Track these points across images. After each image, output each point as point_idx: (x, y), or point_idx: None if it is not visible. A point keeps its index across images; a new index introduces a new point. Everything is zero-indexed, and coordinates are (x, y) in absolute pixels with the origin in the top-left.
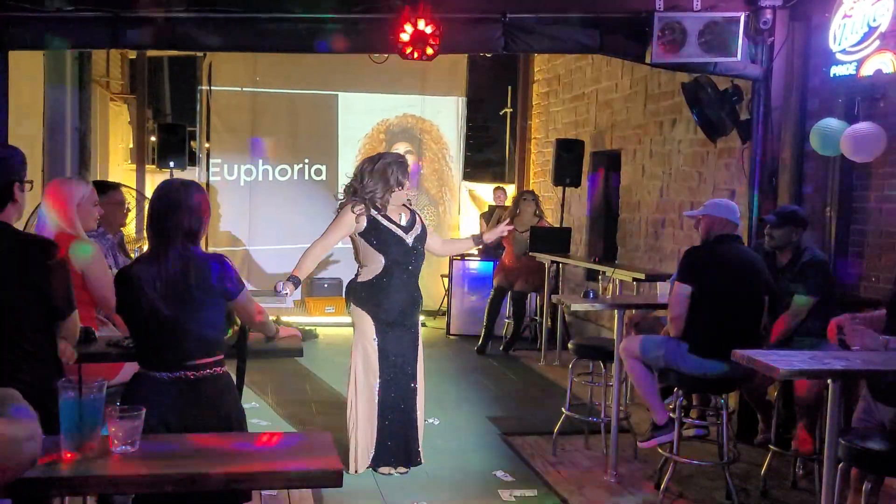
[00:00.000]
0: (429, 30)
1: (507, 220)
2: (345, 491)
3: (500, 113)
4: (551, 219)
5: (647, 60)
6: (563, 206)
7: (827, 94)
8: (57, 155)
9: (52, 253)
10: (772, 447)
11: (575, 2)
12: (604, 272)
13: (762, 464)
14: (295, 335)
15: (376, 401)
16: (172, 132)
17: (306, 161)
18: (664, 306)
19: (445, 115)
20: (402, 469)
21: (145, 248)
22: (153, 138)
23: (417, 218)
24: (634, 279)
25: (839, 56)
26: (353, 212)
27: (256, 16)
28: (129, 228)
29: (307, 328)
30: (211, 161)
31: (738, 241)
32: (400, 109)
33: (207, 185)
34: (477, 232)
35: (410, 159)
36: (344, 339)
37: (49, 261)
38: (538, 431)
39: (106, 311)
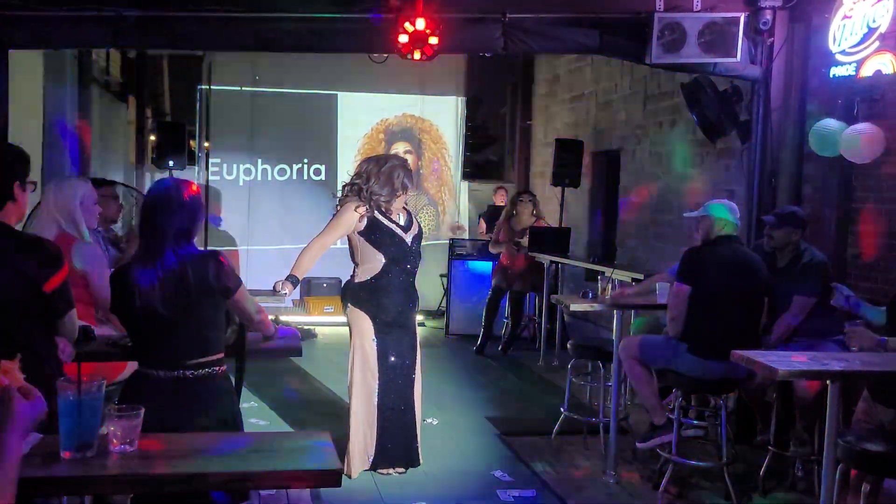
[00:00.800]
0: (428, 30)
1: (503, 220)
2: (343, 491)
3: (500, 113)
4: (550, 219)
5: (647, 61)
6: (562, 206)
7: (826, 95)
8: (56, 154)
9: (49, 252)
10: (771, 448)
11: (575, 2)
12: (603, 272)
13: (761, 465)
14: (293, 335)
15: (375, 402)
16: (172, 131)
17: (305, 161)
18: (663, 306)
19: (445, 115)
20: (400, 469)
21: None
22: (153, 137)
23: (414, 219)
24: (633, 280)
25: (839, 57)
26: (354, 210)
27: (256, 15)
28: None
29: (306, 328)
30: (210, 160)
31: (737, 241)
32: (399, 109)
33: (207, 184)
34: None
35: (410, 159)
36: (343, 338)
37: (46, 260)
38: (537, 432)
39: (104, 312)
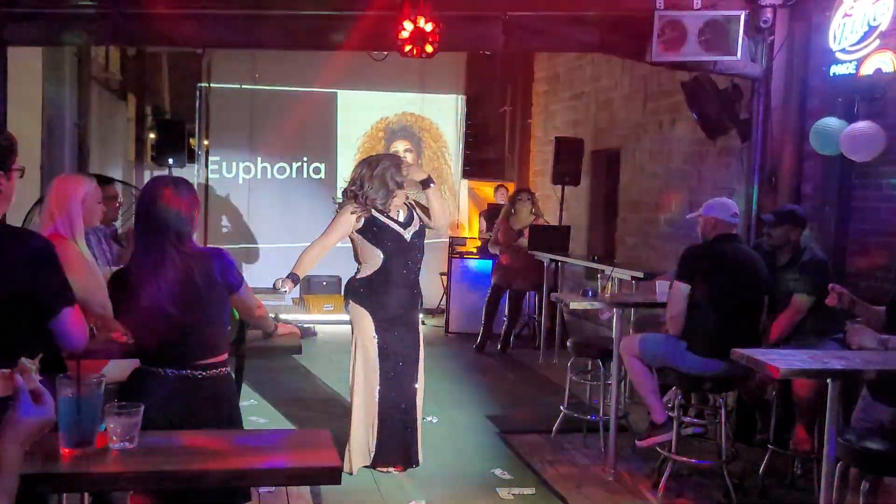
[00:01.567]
0: (429, 27)
1: (502, 218)
2: (343, 488)
3: (500, 111)
4: (550, 217)
5: (647, 59)
6: (561, 204)
7: (827, 94)
8: (55, 151)
9: (37, 247)
10: (770, 446)
11: (575, 0)
12: (603, 271)
13: (760, 463)
14: (293, 332)
15: (377, 400)
16: (171, 129)
17: (305, 159)
18: (663, 305)
19: (445, 113)
20: (399, 467)
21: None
22: (152, 135)
23: (415, 214)
24: (633, 278)
25: (839, 55)
26: (351, 212)
27: (256, 13)
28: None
29: (306, 326)
30: (210, 158)
31: (736, 240)
32: (399, 107)
33: (206, 182)
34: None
35: (409, 157)
36: (343, 336)
37: (32, 255)
38: (537, 430)
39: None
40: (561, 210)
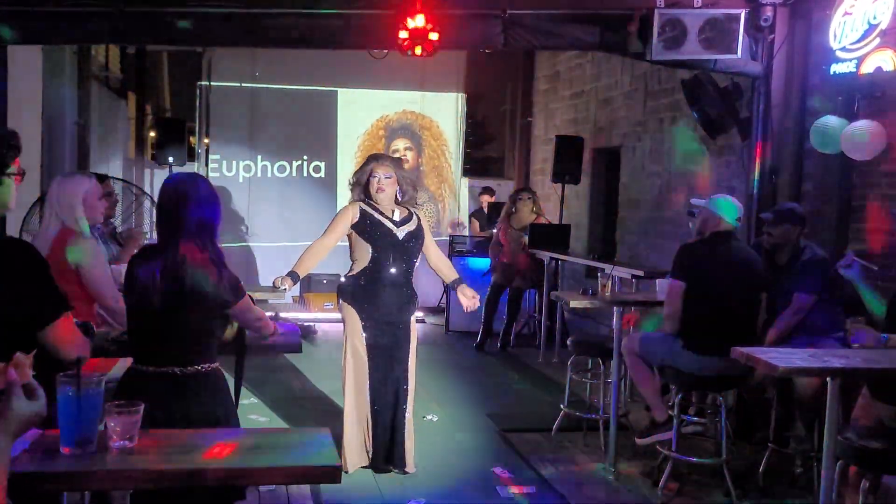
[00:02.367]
0: (429, 26)
1: (501, 226)
2: (342, 487)
3: (500, 110)
4: (550, 216)
5: (648, 57)
6: (562, 202)
7: (827, 92)
8: (56, 149)
9: (24, 255)
10: (770, 445)
11: None
12: (603, 269)
13: (760, 461)
14: (294, 331)
15: (368, 399)
16: (171, 127)
17: (305, 158)
18: (662, 303)
19: (445, 111)
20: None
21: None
22: (152, 133)
23: (415, 217)
24: (633, 276)
25: (839, 53)
26: (350, 207)
27: (256, 11)
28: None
29: (306, 324)
30: (210, 157)
31: (732, 237)
32: (399, 106)
33: None
34: (456, 277)
35: (410, 155)
36: (342, 334)
37: (21, 264)
38: (537, 428)
39: (102, 308)
40: (561, 209)
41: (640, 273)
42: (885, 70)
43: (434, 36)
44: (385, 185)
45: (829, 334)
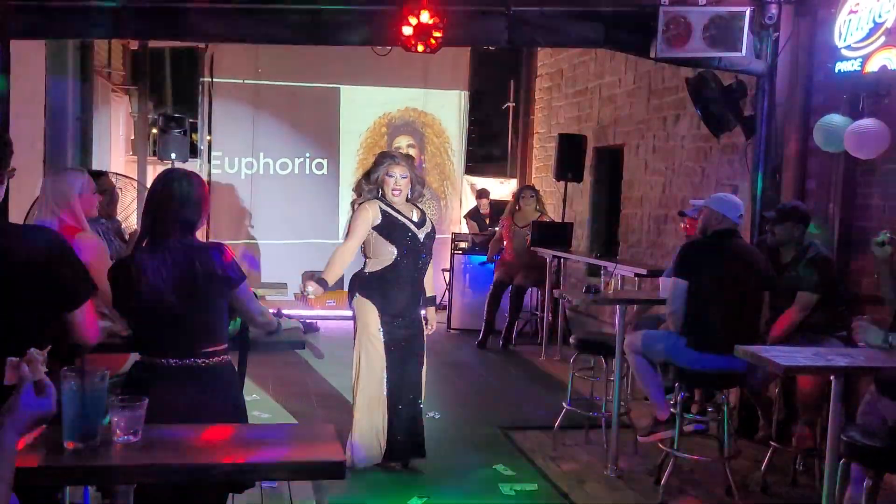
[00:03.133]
0: (433, 22)
1: (505, 223)
2: (344, 483)
3: (503, 107)
4: (552, 213)
5: (652, 55)
6: (564, 201)
7: (831, 90)
8: (58, 145)
9: (53, 240)
10: (772, 443)
11: None
12: (605, 267)
13: (763, 460)
14: (296, 328)
15: (385, 395)
16: (174, 124)
17: (307, 155)
18: (665, 301)
19: (448, 108)
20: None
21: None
22: (154, 130)
23: (428, 219)
24: (636, 275)
25: (844, 52)
26: (369, 207)
27: (259, 7)
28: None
29: (308, 321)
30: (212, 153)
31: (735, 235)
32: (402, 103)
33: (209, 177)
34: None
35: (412, 153)
36: (345, 332)
37: (49, 248)
38: (539, 426)
39: (106, 304)
40: (564, 206)
41: (643, 271)
42: (889, 69)
43: (438, 33)
44: (402, 186)
45: (831, 333)
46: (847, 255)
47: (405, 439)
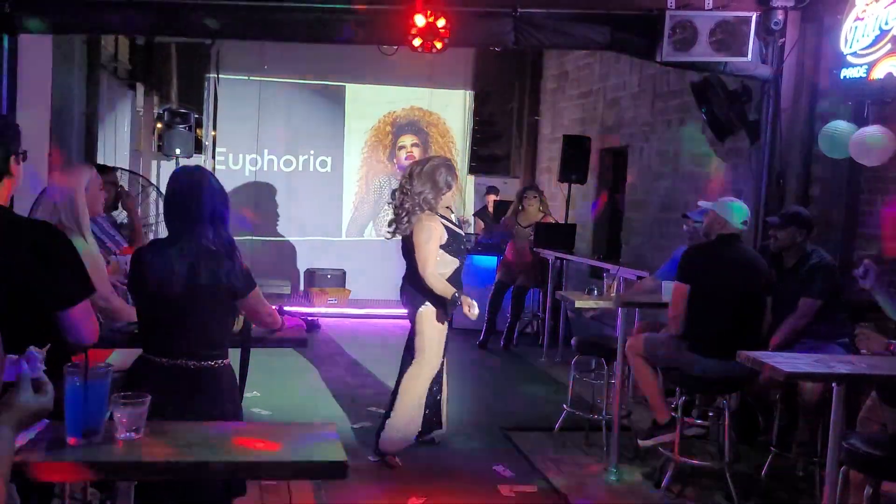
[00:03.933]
0: (439, 23)
1: (510, 215)
2: (344, 483)
3: (508, 108)
4: (556, 215)
5: (657, 58)
6: (567, 202)
7: (837, 97)
8: (64, 139)
9: (51, 236)
10: (773, 449)
11: None
12: (608, 269)
13: (763, 465)
14: (299, 326)
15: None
16: (179, 119)
17: (311, 152)
18: (667, 305)
19: (452, 108)
20: (399, 461)
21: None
22: (160, 125)
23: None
24: (639, 277)
25: (850, 58)
26: (436, 226)
27: (266, 4)
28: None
29: (310, 319)
30: (216, 149)
31: (738, 241)
32: (407, 102)
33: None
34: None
35: (416, 152)
36: (347, 330)
37: (46, 244)
38: (539, 427)
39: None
40: (567, 208)
41: (646, 274)
42: (895, 76)
43: (444, 33)
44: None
45: (833, 339)
46: (850, 261)
47: (432, 413)
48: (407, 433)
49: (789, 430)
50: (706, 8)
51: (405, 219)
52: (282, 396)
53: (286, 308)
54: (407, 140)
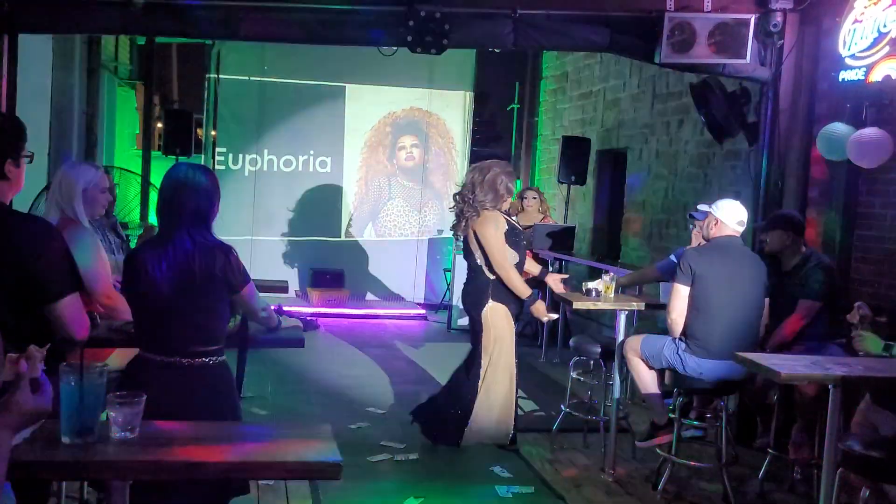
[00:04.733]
0: (439, 24)
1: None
2: (341, 483)
3: (507, 109)
4: (555, 216)
5: (656, 60)
6: (567, 203)
7: (835, 99)
8: (64, 139)
9: (41, 230)
10: (770, 451)
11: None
12: (607, 271)
13: (760, 467)
14: (296, 325)
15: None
16: (179, 119)
17: (311, 152)
18: (665, 307)
19: (452, 109)
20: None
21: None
22: (160, 125)
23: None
24: None
25: (848, 61)
26: (499, 222)
27: (266, 5)
28: (135, 214)
29: (308, 318)
30: (216, 149)
31: (737, 242)
32: (407, 102)
33: None
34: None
35: (416, 153)
36: (345, 330)
37: (35, 238)
38: (537, 428)
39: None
40: (566, 209)
41: None
42: (893, 79)
43: (444, 34)
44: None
45: (831, 341)
46: (848, 263)
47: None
48: (498, 433)
49: (787, 431)
50: (705, 10)
51: (463, 224)
52: (279, 397)
53: (285, 308)
54: (407, 140)
